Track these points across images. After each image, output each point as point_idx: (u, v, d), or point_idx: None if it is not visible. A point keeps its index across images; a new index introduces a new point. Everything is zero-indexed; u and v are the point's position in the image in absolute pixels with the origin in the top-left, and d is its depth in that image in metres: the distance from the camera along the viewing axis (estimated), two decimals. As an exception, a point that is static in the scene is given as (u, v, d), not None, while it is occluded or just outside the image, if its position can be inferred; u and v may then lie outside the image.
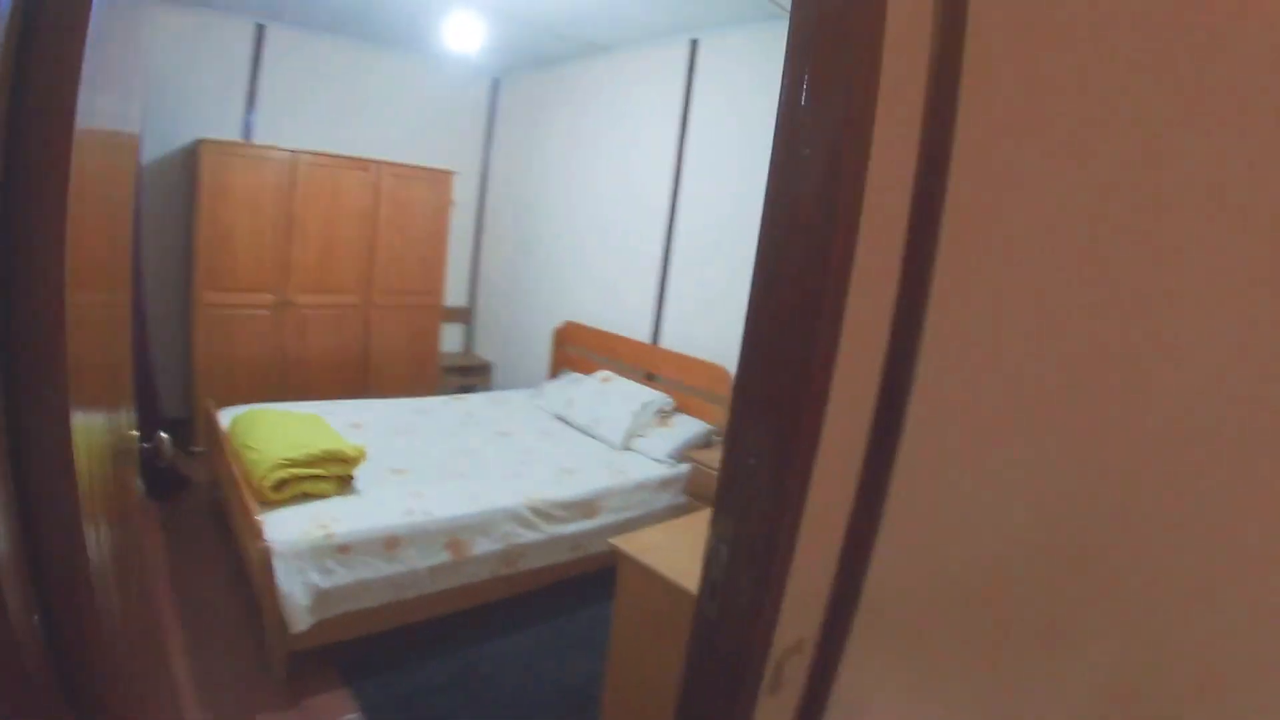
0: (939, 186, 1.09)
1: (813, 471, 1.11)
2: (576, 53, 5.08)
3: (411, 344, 5.36)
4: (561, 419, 4.50)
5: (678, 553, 2.18)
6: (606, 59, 4.96)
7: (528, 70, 5.66)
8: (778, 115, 1.07)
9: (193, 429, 4.39)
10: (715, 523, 1.31)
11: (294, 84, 5.00)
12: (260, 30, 4.83)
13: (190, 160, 4.48)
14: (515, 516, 3.20)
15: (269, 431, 3.14)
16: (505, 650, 3.01)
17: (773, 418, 1.14)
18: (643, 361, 4.60)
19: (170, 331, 4.70)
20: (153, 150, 4.53)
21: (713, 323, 4.26)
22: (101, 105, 0.84)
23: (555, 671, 2.90)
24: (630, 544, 2.26)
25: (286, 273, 4.69)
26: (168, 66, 4.51)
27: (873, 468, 1.21)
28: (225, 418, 3.72)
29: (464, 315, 6.13)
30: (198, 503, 4.00)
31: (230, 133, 4.75)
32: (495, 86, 5.97)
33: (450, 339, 6.08)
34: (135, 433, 1.43)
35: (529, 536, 3.25)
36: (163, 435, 1.46)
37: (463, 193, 5.78)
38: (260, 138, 4.84)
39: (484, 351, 6.11)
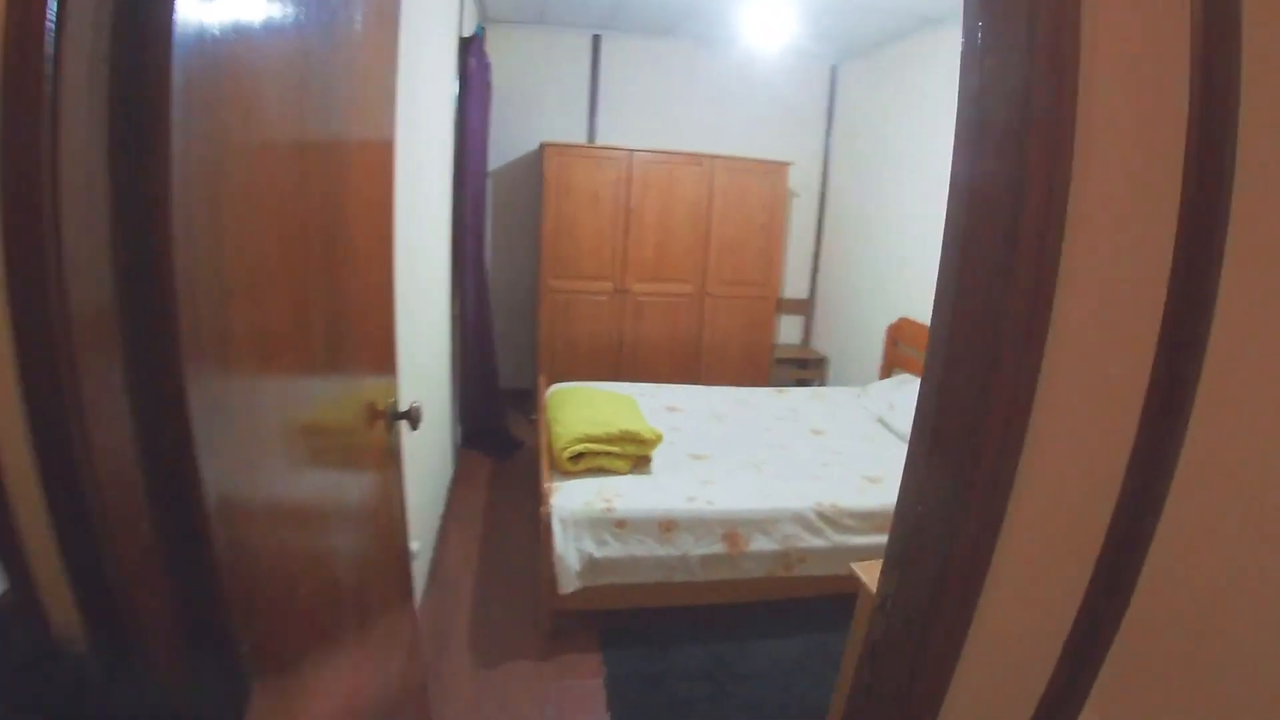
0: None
1: (1002, 523, 0.92)
2: (911, 28, 4.73)
3: (745, 334, 5.47)
4: (882, 422, 4.28)
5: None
6: (940, 32, 4.55)
7: (864, 53, 5.40)
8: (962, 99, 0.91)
9: (534, 399, 4.95)
10: (885, 570, 1.18)
11: (630, 87, 5.38)
12: (596, 40, 5.28)
13: (536, 162, 5.06)
14: (800, 519, 3.13)
15: (578, 407, 3.43)
16: (764, 654, 2.97)
17: (945, 455, 0.98)
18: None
19: (521, 313, 5.41)
20: (503, 155, 5.22)
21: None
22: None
23: (809, 688, 2.79)
24: (871, 572, 2.08)
25: (624, 262, 5.07)
26: (514, 79, 5.14)
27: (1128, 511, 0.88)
28: (554, 388, 4.14)
29: (803, 307, 6.08)
30: (528, 464, 4.51)
31: (575, 136, 5.28)
32: (833, 74, 5.79)
33: (788, 331, 6.09)
34: (393, 398, 1.65)
35: (812, 542, 3.15)
36: (417, 404, 1.66)
37: (803, 183, 5.73)
38: (601, 139, 5.29)
39: (821, 345, 6.01)
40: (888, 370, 4.92)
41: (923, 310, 4.69)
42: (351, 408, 1.40)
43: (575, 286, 5.06)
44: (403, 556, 1.85)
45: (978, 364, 0.88)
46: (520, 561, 3.48)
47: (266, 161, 0.97)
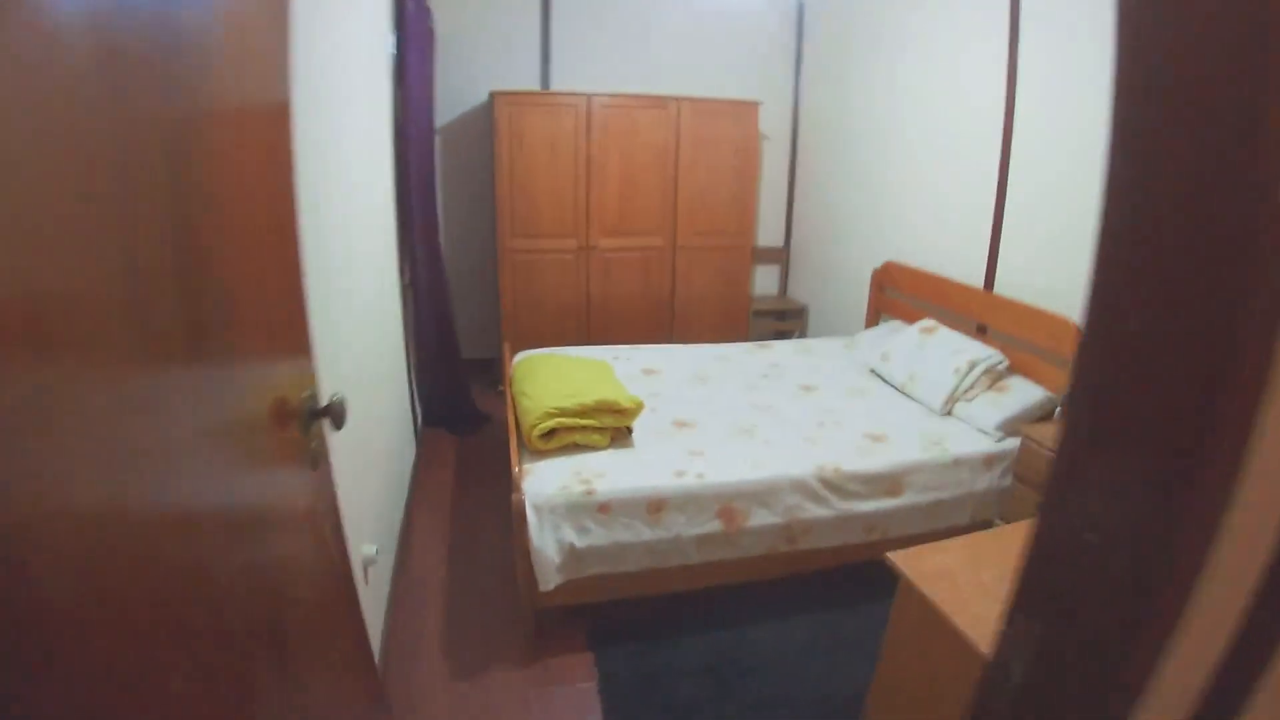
0: None
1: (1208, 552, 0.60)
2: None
3: (721, 287, 5.13)
4: (875, 374, 3.99)
5: (976, 588, 1.67)
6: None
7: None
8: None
9: (500, 369, 4.60)
10: (1011, 620, 0.84)
11: (585, 27, 4.97)
12: (547, -22, 4.84)
13: (488, 115, 4.63)
14: (802, 487, 2.83)
15: (547, 378, 3.08)
16: (770, 640, 2.69)
17: (1141, 464, 0.65)
18: (973, 310, 3.90)
19: (481, 278, 5.01)
20: (453, 108, 4.79)
21: (1058, 267, 3.45)
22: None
23: (823, 675, 2.51)
24: (913, 563, 1.78)
25: (587, 217, 4.69)
26: (460, 25, 4.70)
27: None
28: (521, 357, 3.79)
29: (778, 256, 5.76)
30: (496, 441, 4.17)
31: (528, 83, 4.85)
32: (800, 9, 5.40)
33: (764, 281, 5.77)
34: (309, 390, 1.31)
35: (816, 512, 2.87)
36: (338, 398, 1.32)
37: (774, 126, 5.36)
38: (556, 85, 4.88)
39: (799, 295, 5.70)
40: (874, 317, 4.63)
41: (910, 253, 4.39)
42: (247, 402, 1.06)
43: (537, 246, 4.68)
44: (339, 574, 1.52)
45: (1202, 343, 0.55)
46: (496, 554, 3.16)
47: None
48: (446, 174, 4.89)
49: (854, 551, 3.03)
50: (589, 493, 2.56)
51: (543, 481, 2.59)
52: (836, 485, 2.89)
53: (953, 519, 3.19)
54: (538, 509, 2.51)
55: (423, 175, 3.83)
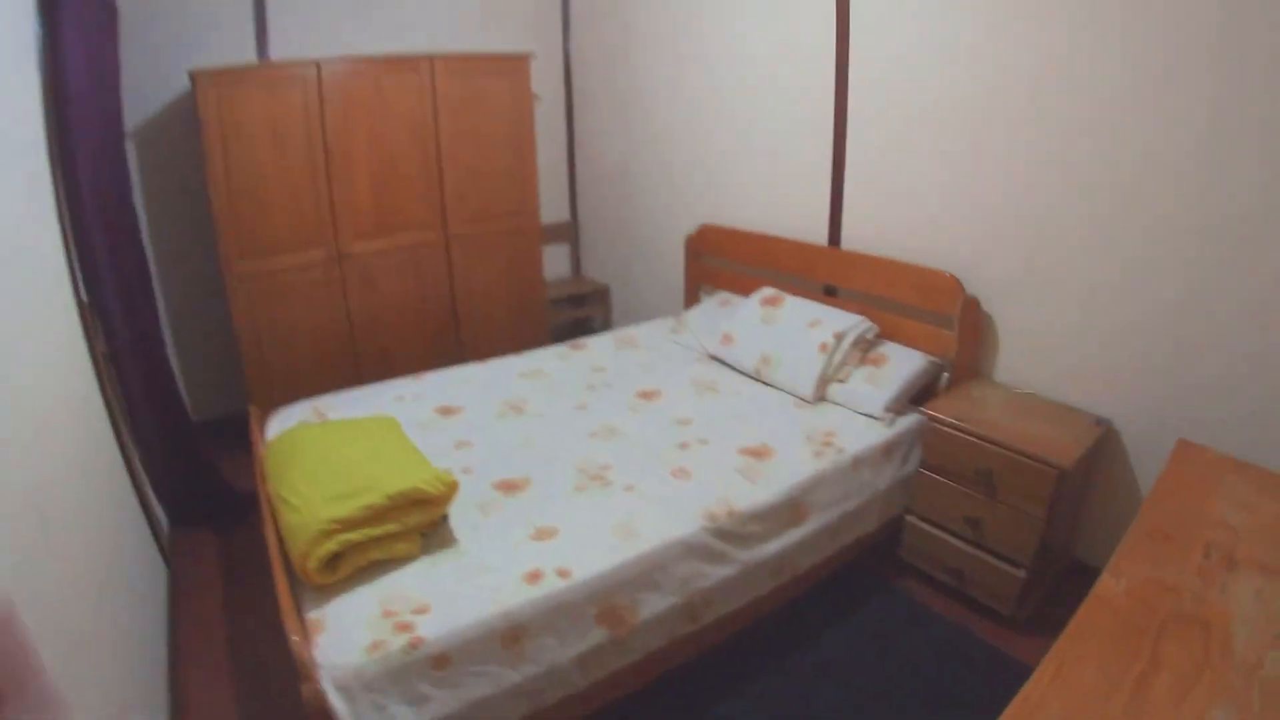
0: None
1: None
2: None
3: (509, 278, 4.25)
4: (719, 360, 3.33)
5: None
6: None
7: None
8: None
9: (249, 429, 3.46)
10: None
11: None
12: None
13: (192, 104, 3.36)
14: (694, 549, 2.11)
15: (315, 465, 2.10)
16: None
17: None
18: (816, 271, 3.34)
19: (212, 316, 3.75)
20: (149, 102, 3.49)
21: (922, 214, 2.95)
22: None
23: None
24: None
25: (335, 218, 3.61)
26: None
27: None
28: (276, 427, 2.75)
29: (567, 232, 4.95)
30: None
31: (242, 55, 3.63)
32: None
33: (555, 262, 4.94)
34: None
35: (718, 573, 2.16)
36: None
37: (543, 84, 4.49)
38: (276, 54, 3.69)
39: (597, 273, 4.95)
40: (693, 291, 3.98)
41: (731, 213, 3.77)
42: None
43: (274, 265, 3.50)
44: None
45: None
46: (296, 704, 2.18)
47: None
48: (150, 189, 3.57)
49: (762, 604, 2.38)
50: (413, 643, 1.67)
51: (340, 637, 1.67)
52: (734, 533, 2.20)
53: (861, 529, 2.64)
54: (345, 690, 1.58)
55: (109, 197, 2.65)
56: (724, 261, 3.80)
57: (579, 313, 4.83)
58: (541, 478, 2.37)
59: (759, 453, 2.52)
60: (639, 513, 2.15)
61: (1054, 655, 1.27)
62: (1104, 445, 2.54)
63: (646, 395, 3.02)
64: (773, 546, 2.30)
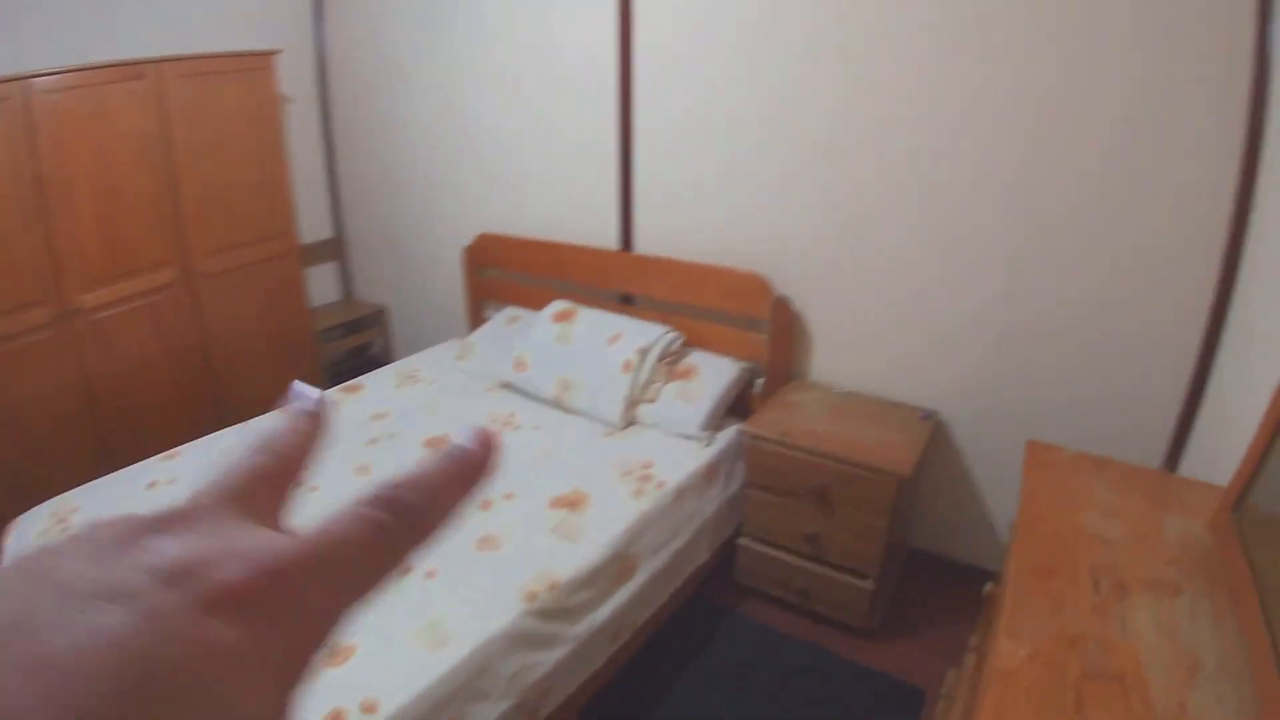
0: None
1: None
2: None
3: (269, 310, 3.58)
4: (513, 388, 2.97)
5: None
6: None
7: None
8: None
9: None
10: None
11: None
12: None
13: None
14: (520, 638, 1.78)
15: None
16: None
17: None
18: (609, 278, 3.07)
19: None
20: None
21: (724, 213, 2.77)
22: None
23: None
24: None
25: (56, 267, 2.81)
26: None
27: None
28: (15, 546, 2.09)
29: (333, 250, 4.31)
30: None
31: None
32: None
33: (322, 286, 4.28)
34: None
35: (551, 658, 1.85)
36: None
37: (294, 85, 3.84)
38: None
39: (371, 294, 4.36)
40: (476, 307, 3.57)
41: (511, 220, 3.40)
42: None
43: None
44: None
45: None
46: None
47: None
48: None
49: (605, 672, 2.08)
50: None
51: None
52: (560, 609, 1.90)
53: (695, 562, 2.42)
54: None
55: None
56: (508, 274, 3.43)
57: (355, 340, 4.25)
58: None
59: (573, 502, 2.21)
60: (447, 608, 1.78)
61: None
62: (934, 439, 2.48)
63: (431, 443, 2.60)
64: (605, 611, 2.01)
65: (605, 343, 2.77)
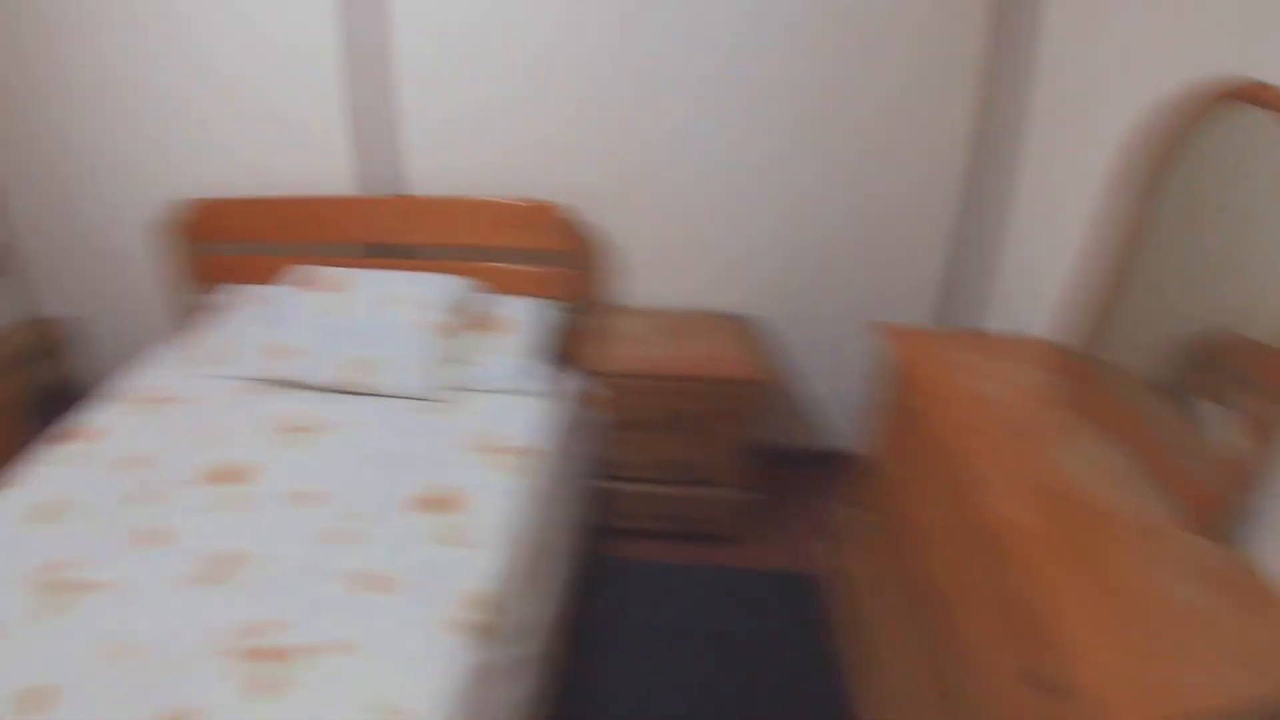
0: None
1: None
2: None
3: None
4: (288, 384, 2.49)
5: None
6: None
7: None
8: None
9: None
10: None
11: None
12: None
13: None
14: (473, 685, 1.53)
15: None
16: None
17: None
18: (376, 228, 2.67)
19: None
20: None
21: (506, 140, 2.50)
22: None
23: None
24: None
25: None
26: None
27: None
28: None
29: (8, 260, 3.18)
30: None
31: None
32: None
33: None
34: None
35: (507, 695, 1.64)
36: None
37: None
38: None
39: (63, 306, 3.33)
40: (203, 295, 2.91)
41: (228, 178, 2.79)
42: None
43: None
44: None
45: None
46: None
47: None
48: None
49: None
50: None
51: None
52: (498, 624, 1.67)
53: (581, 519, 2.29)
54: None
55: None
56: (242, 246, 2.84)
57: (51, 371, 3.24)
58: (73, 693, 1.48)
59: (443, 503, 1.94)
60: (364, 687, 1.47)
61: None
62: (763, 341, 2.58)
63: (222, 477, 2.11)
64: (539, 609, 1.82)
65: (391, 306, 2.42)
